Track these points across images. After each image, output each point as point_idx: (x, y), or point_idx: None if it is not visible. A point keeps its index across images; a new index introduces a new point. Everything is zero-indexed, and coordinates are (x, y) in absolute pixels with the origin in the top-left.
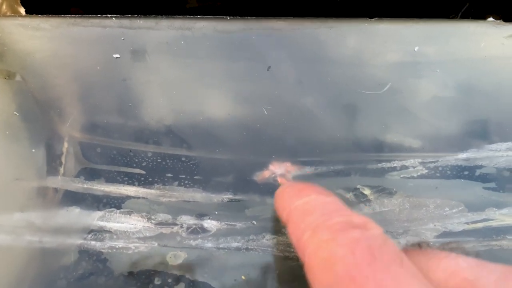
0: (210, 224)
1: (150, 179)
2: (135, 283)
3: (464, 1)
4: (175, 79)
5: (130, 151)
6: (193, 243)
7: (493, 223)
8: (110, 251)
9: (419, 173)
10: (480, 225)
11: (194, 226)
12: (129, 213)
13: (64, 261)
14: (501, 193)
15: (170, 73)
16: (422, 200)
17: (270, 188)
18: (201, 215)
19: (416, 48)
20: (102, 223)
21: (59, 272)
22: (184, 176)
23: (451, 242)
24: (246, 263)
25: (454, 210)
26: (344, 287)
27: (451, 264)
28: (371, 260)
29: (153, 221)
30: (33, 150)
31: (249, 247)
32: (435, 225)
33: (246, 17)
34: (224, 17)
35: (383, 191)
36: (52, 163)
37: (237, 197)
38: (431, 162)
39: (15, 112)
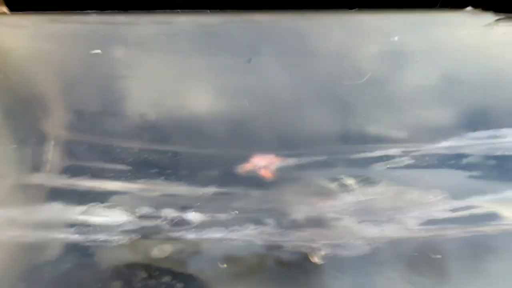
0: (193, 216)
1: (136, 175)
2: (121, 276)
3: None
4: (157, 74)
5: (116, 147)
6: (176, 234)
7: (477, 210)
8: (93, 244)
9: (405, 163)
10: (464, 212)
11: (177, 219)
12: (113, 207)
13: (50, 256)
14: (485, 181)
15: (152, 68)
16: (406, 188)
17: (254, 180)
18: (184, 208)
19: (396, 38)
20: (85, 217)
21: (45, 266)
22: (170, 171)
23: (436, 229)
24: (230, 253)
25: (438, 198)
26: None
27: None
28: None
29: (136, 214)
30: (15, 147)
31: (232, 237)
32: (419, 213)
33: (226, 10)
34: (204, 10)
35: (367, 181)
36: (38, 161)
37: (221, 189)
38: (414, 151)
39: None
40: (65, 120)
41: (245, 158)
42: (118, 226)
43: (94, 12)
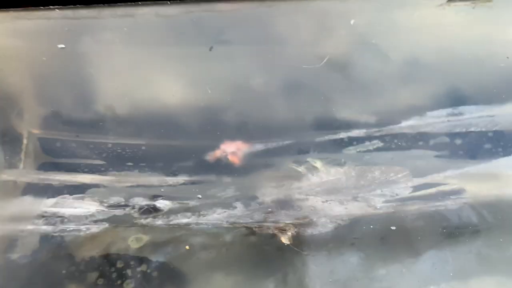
0: (162, 203)
1: (110, 169)
2: (97, 267)
3: None
4: (124, 67)
5: (89, 143)
6: (143, 221)
7: (439, 187)
8: (63, 234)
9: (375, 146)
10: (426, 188)
11: (146, 207)
12: (82, 198)
13: (24, 250)
14: (449, 158)
15: (118, 62)
16: (367, 167)
17: (225, 167)
18: (154, 196)
19: (352, 22)
20: (55, 209)
21: (19, 260)
22: (143, 164)
23: (398, 206)
24: (199, 237)
25: (399, 175)
26: None
27: None
28: None
29: (105, 204)
30: None
31: (200, 221)
32: (382, 191)
33: (187, 0)
34: (165, 1)
35: (333, 162)
36: (11, 159)
37: (192, 178)
38: (378, 132)
39: None
40: (37, 116)
41: (215, 147)
42: (88, 215)
43: (57, 7)
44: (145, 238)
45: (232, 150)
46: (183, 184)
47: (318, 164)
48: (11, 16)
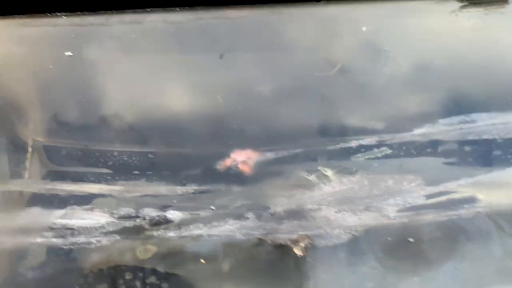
0: (173, 214)
1: (117, 177)
2: (105, 279)
3: None
4: (132, 75)
5: (95, 151)
6: (155, 233)
7: (452, 195)
8: (73, 247)
9: (383, 153)
10: (439, 197)
11: (157, 218)
12: (91, 209)
13: (32, 262)
14: (460, 166)
15: (126, 69)
16: (380, 176)
17: (235, 176)
18: (164, 207)
19: (364, 28)
20: (64, 221)
21: (27, 272)
22: (151, 173)
23: (412, 215)
24: (211, 249)
25: (412, 185)
26: None
27: None
28: None
29: (115, 216)
30: None
31: (212, 233)
32: (395, 200)
33: (196, 7)
34: (174, 8)
35: (345, 171)
36: (16, 168)
37: (202, 187)
38: (391, 141)
39: None
40: (42, 125)
41: (224, 155)
42: (97, 227)
43: (64, 14)
44: (154, 249)
45: (243, 158)
46: (193, 193)
47: (329, 172)
48: (17, 23)
